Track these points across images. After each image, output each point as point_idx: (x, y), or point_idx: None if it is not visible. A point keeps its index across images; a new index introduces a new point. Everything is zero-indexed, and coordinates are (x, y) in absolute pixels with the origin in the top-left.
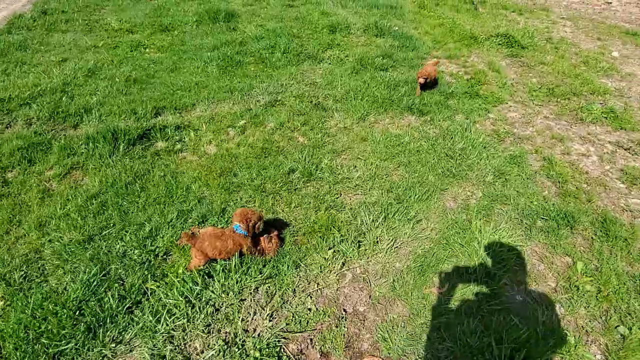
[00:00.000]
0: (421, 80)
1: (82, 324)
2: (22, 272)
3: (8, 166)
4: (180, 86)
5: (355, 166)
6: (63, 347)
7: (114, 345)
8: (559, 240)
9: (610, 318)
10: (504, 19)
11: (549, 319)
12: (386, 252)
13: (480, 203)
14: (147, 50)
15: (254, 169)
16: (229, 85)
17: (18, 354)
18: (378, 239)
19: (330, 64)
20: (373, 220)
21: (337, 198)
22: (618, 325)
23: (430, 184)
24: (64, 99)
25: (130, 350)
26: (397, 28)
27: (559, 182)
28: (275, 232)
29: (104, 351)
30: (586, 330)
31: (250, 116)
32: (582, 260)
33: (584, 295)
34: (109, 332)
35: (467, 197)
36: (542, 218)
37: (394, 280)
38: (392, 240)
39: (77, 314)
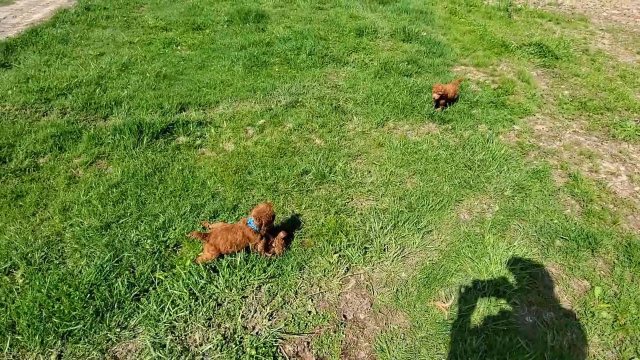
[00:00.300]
0: (435, 96)
1: (92, 307)
2: (43, 253)
3: (41, 152)
4: (206, 83)
5: (370, 171)
6: (72, 328)
7: (119, 330)
8: (578, 262)
9: (625, 349)
10: (539, 27)
11: (559, 344)
12: (392, 260)
13: (496, 217)
14: (179, 47)
15: (268, 168)
16: (252, 84)
17: (30, 330)
18: (385, 247)
19: (354, 67)
20: (382, 228)
21: (348, 202)
22: (633, 358)
23: (445, 194)
24: (97, 91)
25: (134, 337)
26: (425, 33)
27: (584, 200)
28: (283, 234)
29: (109, 335)
30: (597, 358)
31: (270, 116)
32: (601, 285)
33: (599, 322)
34: (115, 317)
35: (482, 210)
36: (562, 237)
37: (397, 290)
38: (399, 249)
39: (88, 297)
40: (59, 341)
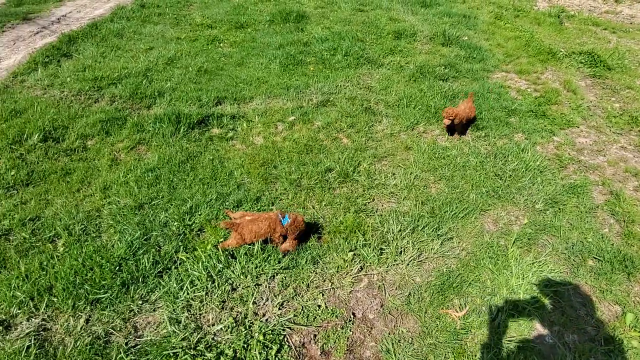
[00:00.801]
0: (446, 122)
1: (119, 278)
2: (83, 226)
3: (90, 135)
4: (243, 79)
5: (394, 173)
6: (100, 296)
7: (141, 302)
8: (611, 285)
9: None
10: (592, 36)
11: None
12: (408, 264)
13: (523, 230)
14: (222, 44)
15: (293, 164)
16: (286, 82)
17: (65, 294)
18: (402, 250)
19: (389, 69)
20: (400, 230)
21: (368, 202)
22: None
23: (471, 202)
24: (144, 82)
25: (154, 310)
26: (466, 38)
27: (624, 221)
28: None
29: (132, 306)
30: None
31: (300, 113)
32: (634, 312)
33: (627, 350)
34: (139, 291)
35: (509, 222)
36: (595, 257)
37: (410, 294)
38: (416, 253)
39: (117, 269)
40: (88, 307)
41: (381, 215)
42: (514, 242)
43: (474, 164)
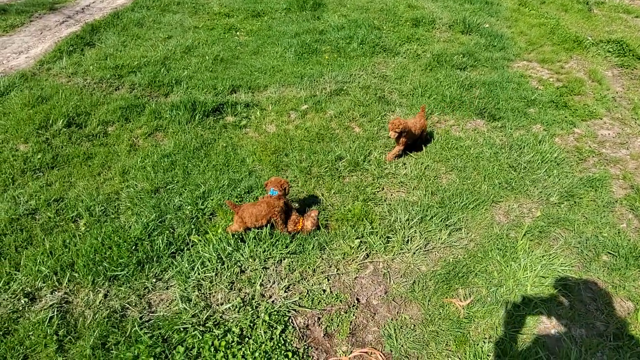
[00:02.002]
0: (392, 134)
1: (135, 257)
2: (103, 208)
3: (110, 121)
4: (258, 68)
5: (405, 163)
6: (118, 273)
7: (154, 280)
8: (624, 281)
9: None
10: (623, 24)
11: None
12: (414, 253)
13: (535, 223)
14: (238, 33)
15: (305, 152)
16: (301, 71)
17: (85, 270)
18: (409, 239)
19: (405, 58)
20: (408, 220)
21: (377, 191)
22: None
23: (483, 193)
24: (162, 70)
25: (166, 288)
26: (487, 25)
27: None
28: (315, 212)
29: (146, 284)
30: None
31: (313, 102)
32: None
33: (638, 347)
34: (153, 269)
35: (522, 214)
36: (610, 253)
37: (414, 282)
38: (423, 243)
39: (133, 248)
40: (107, 283)
41: (390, 204)
42: (525, 234)
43: (488, 155)
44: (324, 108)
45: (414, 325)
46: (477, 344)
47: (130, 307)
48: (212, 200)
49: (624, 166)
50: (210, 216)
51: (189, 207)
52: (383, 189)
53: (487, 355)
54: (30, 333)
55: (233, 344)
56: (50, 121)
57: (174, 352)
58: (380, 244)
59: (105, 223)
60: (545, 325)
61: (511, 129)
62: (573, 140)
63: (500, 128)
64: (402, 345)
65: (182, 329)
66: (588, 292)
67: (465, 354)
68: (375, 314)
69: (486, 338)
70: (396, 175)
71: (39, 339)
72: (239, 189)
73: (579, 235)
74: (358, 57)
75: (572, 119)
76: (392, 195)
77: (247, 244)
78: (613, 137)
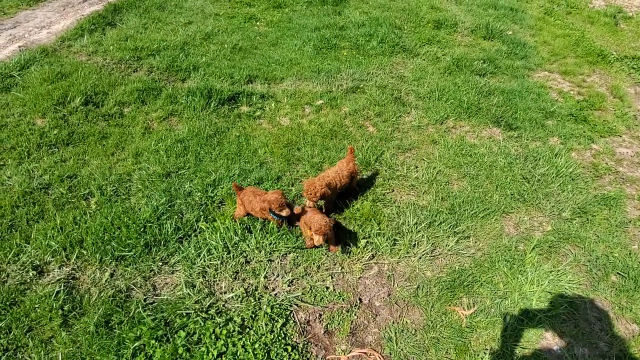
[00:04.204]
0: (309, 203)
1: (143, 239)
2: (114, 188)
3: (127, 102)
4: (275, 60)
5: (417, 166)
6: (125, 254)
7: (161, 264)
8: (632, 303)
9: None
10: None
11: None
12: (420, 257)
13: (545, 237)
14: (258, 23)
15: (317, 147)
16: (318, 65)
17: (93, 248)
18: (416, 243)
19: (424, 59)
20: (417, 224)
21: (387, 193)
22: None
23: (494, 203)
24: (180, 55)
25: (172, 272)
26: (510, 32)
27: None
28: (332, 221)
29: (152, 266)
30: None
31: (329, 98)
32: None
33: None
34: (160, 253)
35: (532, 227)
36: (619, 274)
37: (419, 287)
38: (430, 248)
39: (142, 231)
40: (114, 262)
41: (399, 206)
42: (534, 248)
43: (502, 165)
44: (339, 105)
45: (415, 330)
46: (478, 354)
47: (135, 288)
48: (222, 188)
49: None
50: (219, 204)
51: (199, 193)
52: (393, 190)
53: None
54: (36, 306)
55: (234, 333)
56: (68, 98)
57: (175, 336)
58: (387, 245)
59: (115, 203)
60: (548, 341)
61: (527, 140)
62: (590, 156)
63: (517, 138)
64: (402, 349)
65: (184, 314)
66: (594, 312)
67: None
68: (376, 315)
69: (487, 349)
70: (407, 178)
71: (45, 312)
72: (249, 180)
73: (589, 253)
74: (377, 55)
75: (590, 134)
76: (401, 197)
77: (254, 235)
78: (631, 156)
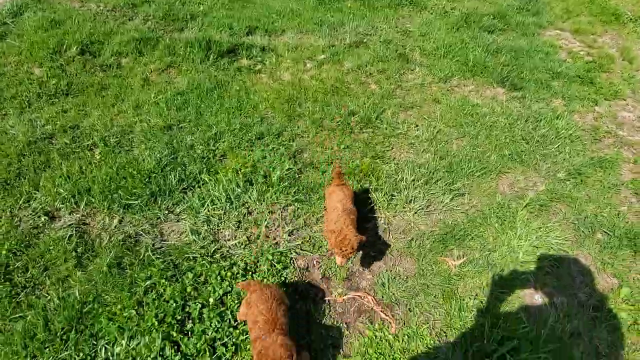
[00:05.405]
0: (341, 261)
1: (149, 189)
2: (117, 139)
3: (124, 52)
4: (276, 10)
5: (417, 125)
6: (132, 202)
7: (166, 212)
8: (614, 259)
9: (633, 352)
10: None
11: (561, 328)
12: (416, 212)
13: (538, 196)
14: None
15: (318, 103)
16: (321, 17)
17: (101, 196)
18: (412, 199)
19: (432, 13)
20: (414, 180)
21: (387, 150)
22: None
23: (491, 162)
24: (176, 3)
25: (177, 221)
26: None
27: None
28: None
29: (159, 214)
30: (598, 352)
31: (331, 53)
32: (630, 287)
33: (612, 319)
34: (165, 202)
35: (526, 186)
36: (605, 232)
37: (412, 239)
38: (425, 204)
39: (147, 181)
40: (121, 210)
41: (397, 164)
42: (526, 205)
43: (503, 125)
44: (342, 60)
45: (407, 277)
46: (464, 300)
47: (143, 234)
48: (223, 142)
49: (638, 150)
50: (221, 158)
51: (201, 146)
52: (392, 148)
53: (472, 309)
54: (51, 247)
55: (238, 275)
56: (64, 47)
57: (183, 277)
58: (384, 200)
59: (119, 154)
60: (530, 291)
61: (531, 101)
62: (592, 119)
63: (520, 99)
64: (393, 293)
65: (191, 258)
66: (577, 266)
67: (451, 306)
68: (371, 264)
69: (473, 295)
70: (407, 136)
71: (59, 253)
72: (250, 134)
73: (579, 212)
74: (382, 8)
75: (595, 96)
76: (400, 155)
77: (256, 187)
78: (633, 120)
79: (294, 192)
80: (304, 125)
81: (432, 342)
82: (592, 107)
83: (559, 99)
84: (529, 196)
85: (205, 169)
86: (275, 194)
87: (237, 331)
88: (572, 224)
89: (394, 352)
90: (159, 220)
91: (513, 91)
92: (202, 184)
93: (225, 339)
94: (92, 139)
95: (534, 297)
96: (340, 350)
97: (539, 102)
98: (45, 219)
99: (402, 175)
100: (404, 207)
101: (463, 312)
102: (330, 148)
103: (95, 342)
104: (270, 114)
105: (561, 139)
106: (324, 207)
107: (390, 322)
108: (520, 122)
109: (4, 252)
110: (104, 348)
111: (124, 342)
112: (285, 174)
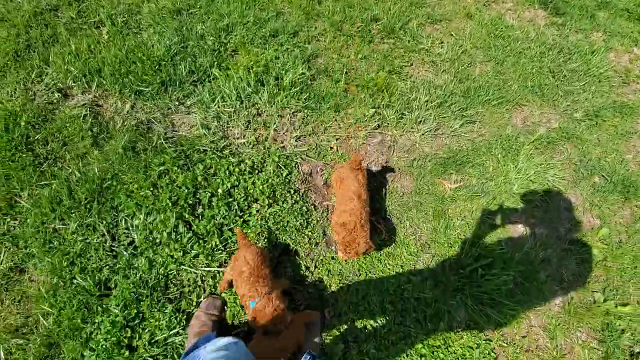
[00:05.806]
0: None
1: (159, 77)
2: (124, 19)
3: None
4: None
5: (442, 42)
6: (143, 89)
7: (177, 103)
8: (603, 202)
9: (595, 282)
10: None
11: (534, 253)
12: (423, 134)
13: (548, 134)
14: None
15: (339, 3)
16: None
17: (112, 79)
18: (422, 120)
19: None
20: (427, 102)
21: (405, 66)
22: (596, 291)
23: (511, 92)
24: None
25: (188, 113)
26: None
27: None
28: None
29: (169, 104)
30: (562, 279)
31: None
32: (610, 230)
33: (584, 253)
34: (175, 93)
35: (539, 122)
36: (603, 176)
37: (415, 159)
38: (434, 127)
39: (157, 68)
40: (133, 95)
41: (414, 82)
42: (533, 141)
43: (533, 54)
44: None
45: (403, 194)
46: (452, 219)
47: (155, 122)
48: (235, 36)
49: None
50: (233, 53)
51: (212, 38)
52: (412, 64)
53: (457, 228)
54: (67, 124)
55: (245, 172)
56: None
57: (194, 167)
58: (394, 118)
59: (127, 36)
60: (516, 220)
61: (570, 30)
62: (627, 60)
63: (559, 26)
64: (388, 206)
65: (201, 150)
66: (565, 204)
67: (439, 223)
68: (371, 178)
69: (461, 217)
70: (429, 53)
71: (76, 131)
72: (264, 30)
73: (584, 154)
74: None
75: (637, 36)
76: (419, 73)
77: (267, 88)
78: None
79: (305, 99)
80: (321, 27)
81: (415, 250)
82: (631, 47)
83: (600, 32)
84: (539, 132)
85: (216, 63)
86: (286, 97)
87: (242, 220)
88: (574, 164)
89: (380, 255)
90: (169, 110)
91: (554, 16)
92: (213, 79)
93: (232, 225)
94: (99, 15)
95: (517, 226)
96: (332, 248)
97: (578, 32)
98: (59, 95)
99: (417, 95)
100: (412, 128)
101: (449, 230)
102: (346, 56)
103: (116, 214)
104: (287, 10)
105: (590, 77)
106: (332, 190)
107: (381, 230)
108: (553, 52)
109: (22, 123)
110: (124, 219)
111: (141, 216)
112: (298, 79)
